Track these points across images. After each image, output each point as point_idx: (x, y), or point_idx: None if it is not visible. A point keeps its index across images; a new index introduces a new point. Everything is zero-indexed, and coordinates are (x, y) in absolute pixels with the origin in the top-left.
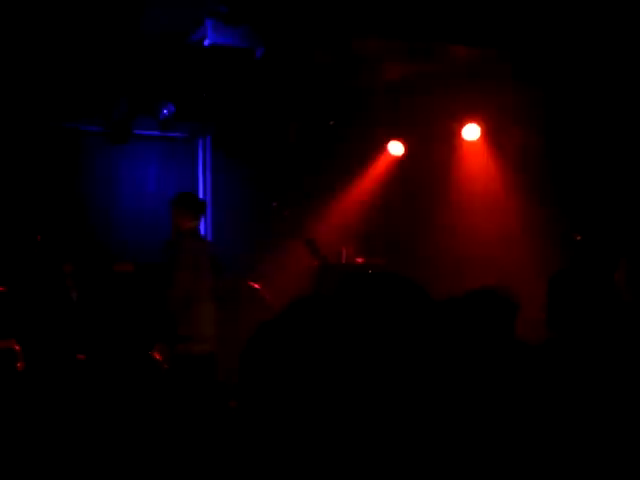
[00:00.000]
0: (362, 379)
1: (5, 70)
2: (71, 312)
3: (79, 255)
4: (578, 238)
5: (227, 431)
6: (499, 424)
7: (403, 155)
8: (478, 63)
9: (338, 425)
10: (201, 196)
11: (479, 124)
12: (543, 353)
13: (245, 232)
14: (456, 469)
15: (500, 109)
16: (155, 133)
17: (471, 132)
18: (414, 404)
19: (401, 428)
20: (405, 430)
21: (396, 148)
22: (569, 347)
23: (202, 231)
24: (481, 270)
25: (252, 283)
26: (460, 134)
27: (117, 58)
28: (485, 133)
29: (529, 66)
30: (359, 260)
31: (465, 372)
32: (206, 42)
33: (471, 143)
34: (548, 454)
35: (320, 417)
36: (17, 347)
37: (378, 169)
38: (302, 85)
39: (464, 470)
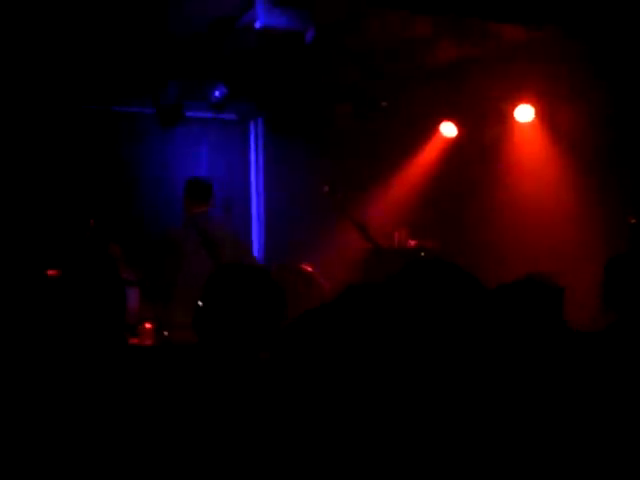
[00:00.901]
0: (412, 366)
1: (56, 55)
2: (124, 295)
3: (130, 237)
4: (633, 221)
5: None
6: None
7: (456, 137)
8: (531, 43)
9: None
10: (253, 179)
11: (532, 105)
12: (602, 339)
13: (297, 215)
14: (508, 457)
15: (554, 89)
16: (207, 115)
17: (524, 113)
18: (464, 393)
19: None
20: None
21: (449, 129)
22: (630, 332)
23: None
24: (534, 254)
25: (305, 266)
26: (513, 115)
27: (168, 40)
28: (539, 114)
29: (585, 44)
30: (412, 243)
31: (516, 361)
32: (257, 24)
33: (524, 124)
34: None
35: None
36: None
37: (430, 151)
38: (353, 66)
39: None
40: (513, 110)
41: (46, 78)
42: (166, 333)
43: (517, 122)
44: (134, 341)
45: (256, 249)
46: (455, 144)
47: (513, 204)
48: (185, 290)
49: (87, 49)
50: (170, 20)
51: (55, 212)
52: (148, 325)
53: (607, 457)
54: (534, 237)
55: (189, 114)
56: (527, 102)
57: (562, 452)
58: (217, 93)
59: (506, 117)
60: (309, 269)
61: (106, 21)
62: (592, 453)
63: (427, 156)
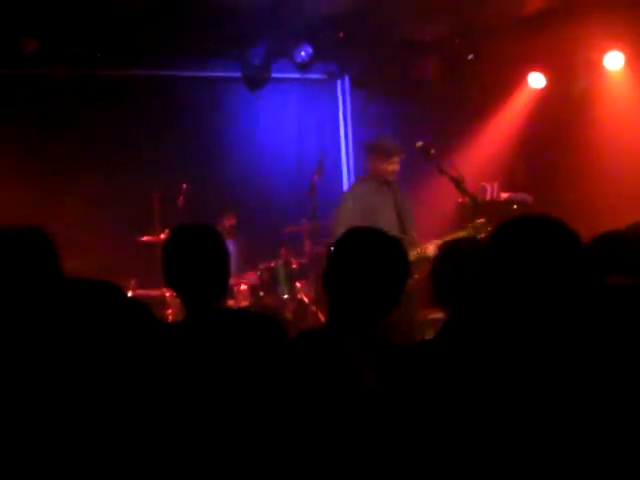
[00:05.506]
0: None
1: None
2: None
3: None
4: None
5: None
6: None
7: (544, 88)
8: None
9: None
10: (342, 137)
11: (622, 52)
12: None
13: None
14: None
15: None
16: (293, 76)
17: (614, 61)
18: None
19: None
20: None
21: (537, 80)
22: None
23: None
24: (628, 205)
25: None
26: (602, 64)
27: (253, 3)
28: (629, 61)
29: None
30: (504, 196)
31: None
32: None
33: (614, 72)
34: None
35: None
36: (168, 295)
37: (518, 103)
38: (439, 20)
39: None
40: (602, 58)
41: (122, 45)
42: None
43: (607, 70)
44: (230, 302)
45: None
46: (544, 95)
47: (604, 154)
48: None
49: (167, 14)
50: None
51: (147, 179)
52: (244, 286)
53: None
54: (627, 188)
55: (274, 75)
56: (617, 49)
57: None
58: (303, 53)
59: (595, 66)
60: None
61: None
62: None
63: (515, 108)
